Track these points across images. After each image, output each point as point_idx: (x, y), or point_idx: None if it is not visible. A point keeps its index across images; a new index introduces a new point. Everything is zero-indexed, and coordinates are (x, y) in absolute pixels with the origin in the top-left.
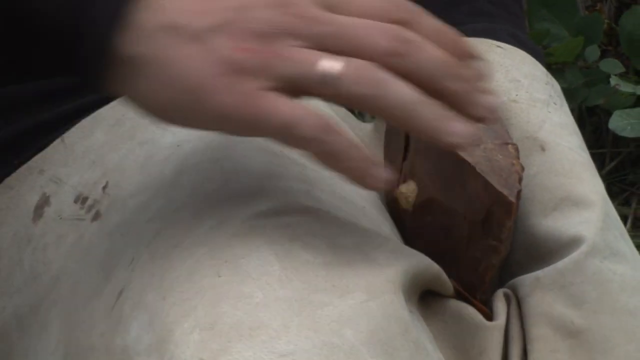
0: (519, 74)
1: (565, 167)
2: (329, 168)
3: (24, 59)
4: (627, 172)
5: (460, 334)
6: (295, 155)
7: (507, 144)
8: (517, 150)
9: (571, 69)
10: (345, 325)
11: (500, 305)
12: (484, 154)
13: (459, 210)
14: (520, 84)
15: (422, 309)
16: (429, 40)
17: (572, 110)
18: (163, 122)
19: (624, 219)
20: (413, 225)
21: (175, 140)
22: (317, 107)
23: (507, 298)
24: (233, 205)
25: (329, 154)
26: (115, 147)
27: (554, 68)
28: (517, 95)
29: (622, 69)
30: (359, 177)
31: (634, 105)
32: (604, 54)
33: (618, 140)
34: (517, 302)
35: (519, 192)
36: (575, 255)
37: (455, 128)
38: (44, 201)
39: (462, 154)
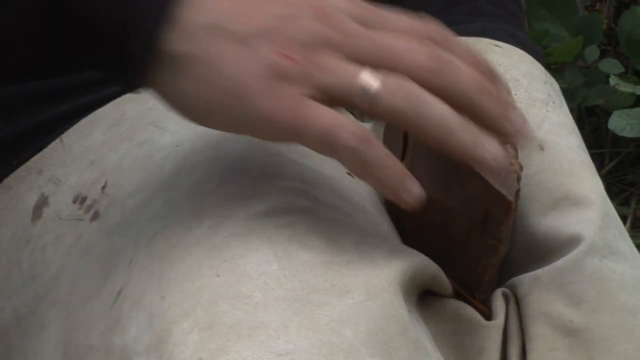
0: (517, 73)
1: (564, 167)
2: (363, 178)
3: (62, 52)
4: (626, 172)
5: (459, 334)
6: (294, 155)
7: (506, 143)
8: (515, 149)
9: (570, 69)
10: (344, 325)
11: (499, 305)
12: None
13: (457, 210)
14: (519, 83)
15: (421, 308)
16: (462, 61)
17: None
18: (199, 122)
19: (623, 219)
20: (412, 225)
21: (174, 140)
22: None
23: (505, 297)
24: (232, 205)
25: (366, 164)
26: (114, 147)
27: (553, 68)
28: (515, 94)
29: (621, 69)
30: (392, 189)
31: (633, 105)
32: (603, 54)
33: (617, 140)
34: (516, 302)
35: (518, 191)
36: (574, 254)
37: (490, 150)
38: (43, 201)
39: None
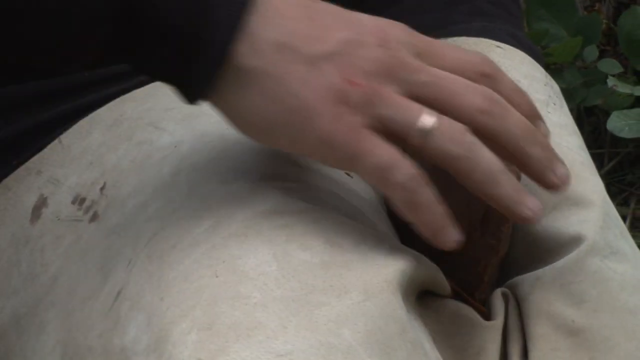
0: (518, 74)
1: None
2: (406, 216)
3: (125, 57)
4: (625, 172)
5: (458, 334)
6: (293, 156)
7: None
8: None
9: (570, 69)
10: (343, 325)
11: (498, 305)
12: None
13: (457, 210)
14: (519, 84)
15: (419, 308)
16: (510, 102)
17: (571, 110)
18: (258, 137)
19: (623, 219)
20: (411, 225)
21: (173, 141)
22: None
23: (505, 297)
24: (231, 205)
25: (414, 203)
26: (113, 147)
27: (553, 68)
28: None
29: (620, 69)
30: (433, 232)
31: (632, 106)
32: (602, 54)
33: (617, 140)
34: (515, 301)
35: None
36: (575, 254)
37: (532, 207)
38: (42, 202)
39: None
